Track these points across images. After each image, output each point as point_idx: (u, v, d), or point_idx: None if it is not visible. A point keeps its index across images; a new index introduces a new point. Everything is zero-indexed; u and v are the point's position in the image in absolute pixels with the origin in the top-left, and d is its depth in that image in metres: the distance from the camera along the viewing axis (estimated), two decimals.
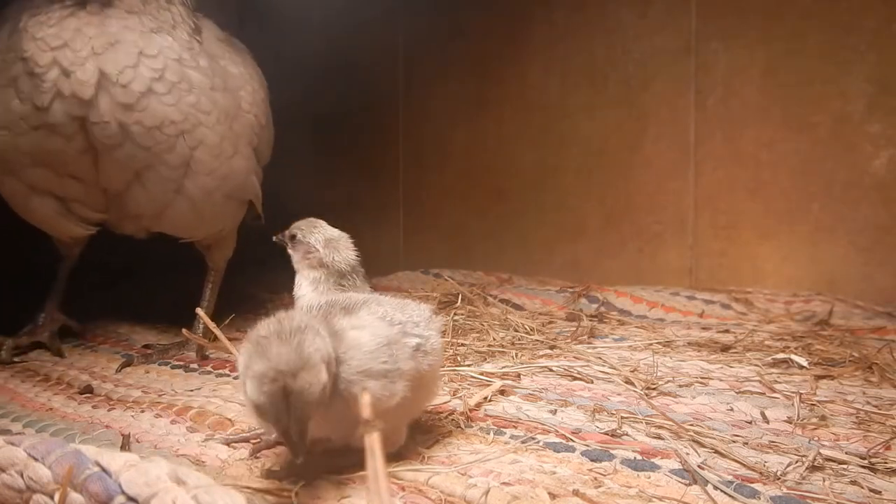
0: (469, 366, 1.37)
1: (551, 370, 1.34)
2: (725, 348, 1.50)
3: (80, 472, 0.63)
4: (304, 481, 0.79)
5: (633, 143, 2.34)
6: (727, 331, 1.70)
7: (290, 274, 1.27)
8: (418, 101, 2.91)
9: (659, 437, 0.96)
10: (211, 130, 1.46)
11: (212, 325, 1.07)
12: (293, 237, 1.22)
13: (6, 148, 1.36)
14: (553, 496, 0.75)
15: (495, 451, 0.90)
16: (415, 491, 0.77)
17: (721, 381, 1.26)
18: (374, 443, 0.59)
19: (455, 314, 1.87)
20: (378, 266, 2.80)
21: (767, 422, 1.03)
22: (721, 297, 1.97)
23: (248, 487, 0.79)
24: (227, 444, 0.96)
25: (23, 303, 1.69)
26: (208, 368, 1.47)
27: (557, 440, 0.94)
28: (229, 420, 1.07)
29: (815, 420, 1.03)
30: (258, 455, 0.91)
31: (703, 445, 0.92)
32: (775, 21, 2.07)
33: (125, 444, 0.98)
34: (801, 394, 1.13)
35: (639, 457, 0.87)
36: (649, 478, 0.81)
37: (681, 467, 0.83)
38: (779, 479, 0.80)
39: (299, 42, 2.89)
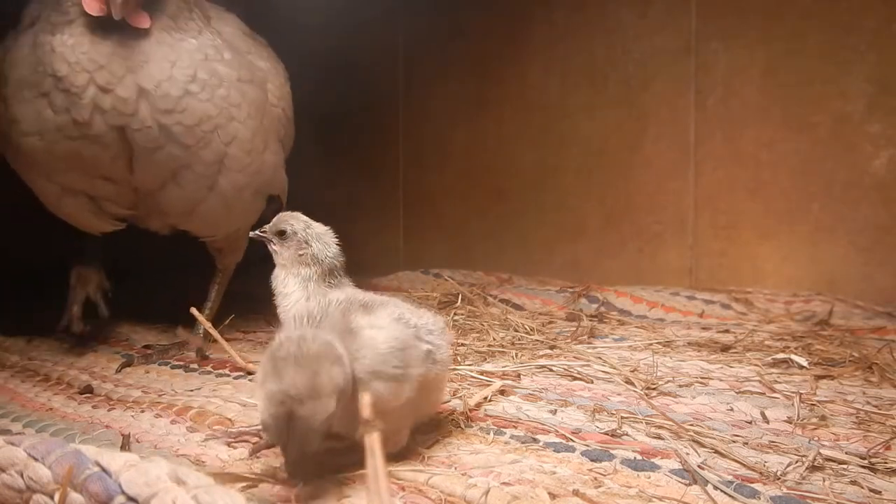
0: (469, 366, 1.37)
1: (551, 370, 1.34)
2: (725, 348, 1.50)
3: (80, 472, 0.63)
4: (303, 481, 0.79)
5: (633, 143, 2.34)
6: (727, 331, 1.70)
7: None
8: (418, 101, 2.91)
9: (659, 437, 0.95)
10: (243, 125, 1.47)
11: (208, 325, 1.07)
12: (282, 233, 1.18)
13: (39, 153, 1.37)
14: (553, 496, 0.75)
15: (495, 451, 0.90)
16: (415, 491, 0.77)
17: (721, 381, 1.26)
18: (374, 443, 0.59)
19: (455, 314, 1.87)
20: (378, 266, 2.80)
21: (767, 422, 1.03)
22: (721, 297, 1.97)
23: (240, 476, 0.79)
24: (228, 445, 0.96)
25: (25, 303, 1.69)
26: (208, 368, 1.47)
27: (557, 440, 0.94)
28: (229, 420, 1.07)
29: (815, 420, 1.03)
30: (258, 455, 0.91)
31: (703, 445, 0.92)
32: (775, 21, 2.07)
33: (125, 444, 0.98)
34: (801, 394, 1.13)
35: (639, 457, 0.87)
36: (649, 478, 0.81)
37: (681, 467, 0.83)
38: (779, 479, 0.80)
39: (299, 42, 2.89)
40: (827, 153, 2.01)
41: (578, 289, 2.13)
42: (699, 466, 0.83)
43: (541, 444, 0.93)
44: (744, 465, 0.85)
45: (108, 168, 1.39)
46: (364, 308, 0.85)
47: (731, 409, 1.09)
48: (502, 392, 1.20)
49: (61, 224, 1.57)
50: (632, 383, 1.22)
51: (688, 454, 0.87)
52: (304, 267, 1.15)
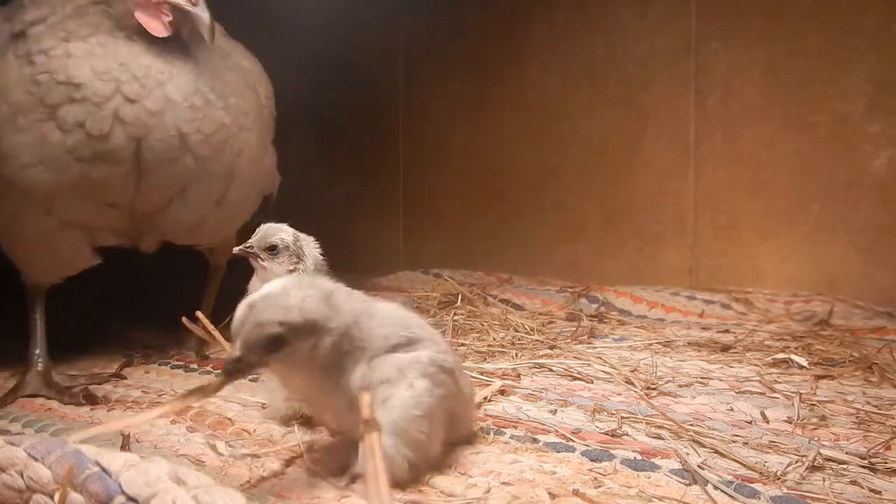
0: (469, 366, 1.37)
1: (551, 370, 1.34)
2: (725, 348, 1.50)
3: (80, 472, 0.63)
4: (303, 482, 0.79)
5: (633, 143, 2.34)
6: (727, 331, 1.70)
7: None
8: (418, 101, 2.91)
9: (659, 437, 0.95)
10: (251, 133, 1.42)
11: (211, 327, 1.07)
12: (273, 248, 1.12)
13: (44, 185, 1.24)
14: (553, 496, 0.75)
15: (495, 451, 0.90)
16: (415, 491, 0.77)
17: (721, 381, 1.26)
18: (374, 443, 0.59)
19: (455, 314, 1.87)
20: (378, 266, 2.81)
21: (767, 422, 1.03)
22: (721, 297, 1.97)
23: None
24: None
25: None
26: (208, 368, 1.47)
27: (557, 440, 0.94)
28: (229, 420, 1.07)
29: (815, 420, 1.03)
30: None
31: (703, 445, 0.92)
32: (775, 21, 2.07)
33: (125, 444, 0.98)
34: (801, 394, 1.13)
35: (639, 457, 0.87)
36: (649, 478, 0.81)
37: (681, 467, 0.83)
38: (779, 479, 0.80)
39: (300, 42, 2.89)
40: (827, 153, 2.01)
41: (578, 289, 2.13)
42: (699, 466, 0.83)
43: (541, 444, 0.93)
44: (744, 465, 0.85)
45: (117, 189, 1.28)
46: (409, 343, 0.82)
47: (731, 409, 1.09)
48: (502, 392, 1.20)
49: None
50: (632, 383, 1.22)
51: (688, 454, 0.87)
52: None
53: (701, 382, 1.25)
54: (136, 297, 2.32)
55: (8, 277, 1.47)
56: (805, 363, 1.33)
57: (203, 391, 0.74)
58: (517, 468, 0.84)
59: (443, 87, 2.81)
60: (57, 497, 0.62)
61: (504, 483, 0.79)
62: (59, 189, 1.25)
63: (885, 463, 0.85)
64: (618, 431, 0.98)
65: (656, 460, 0.86)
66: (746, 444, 0.93)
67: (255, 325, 0.71)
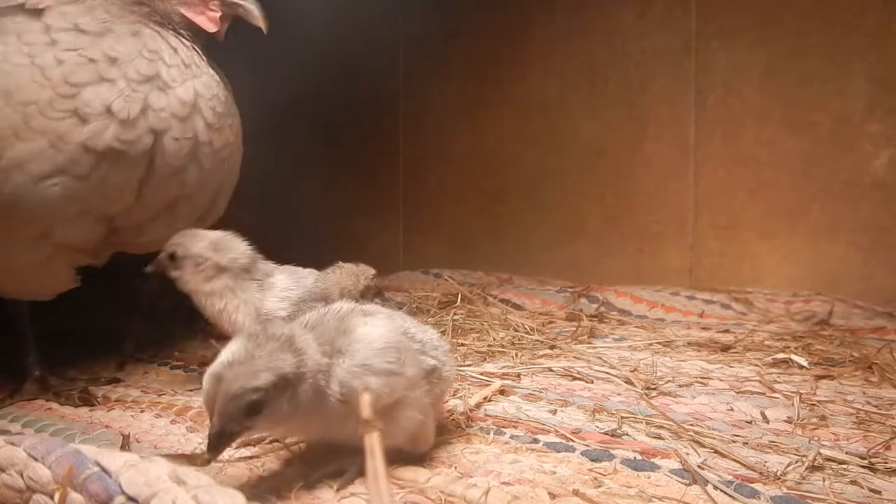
0: (469, 366, 1.37)
1: (551, 370, 1.34)
2: (725, 348, 1.50)
3: (80, 472, 0.63)
4: (303, 482, 0.79)
5: (633, 143, 2.34)
6: (727, 331, 1.70)
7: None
8: (418, 102, 2.91)
9: (659, 437, 0.95)
10: (238, 151, 1.39)
11: None
12: (173, 256, 1.12)
13: (58, 199, 1.12)
14: (553, 496, 0.75)
15: (495, 451, 0.90)
16: (415, 491, 0.77)
17: (721, 381, 1.26)
18: (374, 443, 0.59)
19: (455, 314, 1.87)
20: (378, 266, 2.79)
21: (767, 422, 1.03)
22: (721, 297, 1.97)
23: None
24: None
25: None
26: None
27: (557, 440, 0.94)
28: None
29: (815, 420, 1.03)
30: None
31: (703, 445, 0.92)
32: (775, 21, 2.07)
33: (125, 444, 0.98)
34: (801, 394, 1.13)
35: (639, 457, 0.87)
36: (649, 478, 0.81)
37: (681, 467, 0.83)
38: (779, 479, 0.80)
39: (300, 43, 2.89)
40: (827, 153, 2.01)
41: (578, 289, 2.13)
42: (699, 466, 0.83)
43: (541, 444, 0.93)
44: (744, 465, 0.85)
45: (121, 200, 1.19)
46: (365, 314, 0.85)
47: (731, 409, 1.09)
48: (502, 392, 1.20)
49: None
50: (632, 383, 1.22)
51: (688, 454, 0.87)
52: (213, 280, 1.12)
53: (701, 382, 1.25)
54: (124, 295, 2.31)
55: None
56: (805, 363, 1.33)
57: (190, 462, 0.75)
58: (517, 468, 0.84)
59: (443, 87, 2.81)
60: (57, 497, 0.62)
61: (504, 483, 0.79)
62: (70, 203, 1.14)
63: (885, 463, 0.85)
64: (618, 431, 0.98)
65: (656, 460, 0.86)
66: (746, 444, 0.93)
67: (229, 398, 0.69)
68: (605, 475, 0.82)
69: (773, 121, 2.08)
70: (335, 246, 3.27)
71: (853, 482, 0.81)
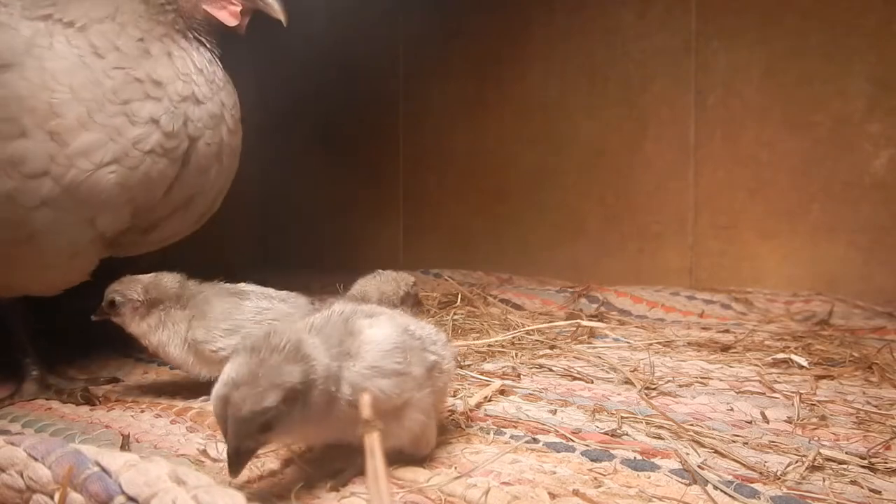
0: (469, 366, 1.37)
1: (551, 370, 1.34)
2: (725, 348, 1.50)
3: (80, 472, 0.63)
4: (303, 482, 0.79)
5: (633, 143, 2.34)
6: (727, 331, 1.70)
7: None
8: (418, 102, 2.91)
9: (659, 437, 0.95)
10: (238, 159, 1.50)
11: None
12: (112, 303, 1.20)
13: (112, 186, 1.21)
14: (553, 496, 0.75)
15: (495, 451, 0.90)
16: (415, 491, 0.77)
17: (721, 381, 1.26)
18: (374, 443, 0.59)
19: (455, 314, 1.87)
20: (378, 266, 2.80)
21: (767, 422, 1.03)
22: (721, 297, 1.97)
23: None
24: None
25: None
26: None
27: (557, 440, 0.94)
28: None
29: (815, 420, 1.03)
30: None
31: (703, 445, 0.92)
32: (775, 21, 2.07)
33: (125, 444, 0.98)
34: (801, 394, 1.13)
35: (639, 457, 0.87)
36: (649, 478, 0.81)
37: (681, 467, 0.83)
38: (779, 479, 0.80)
39: (299, 43, 2.90)
40: (827, 153, 2.01)
41: (578, 289, 2.13)
42: (699, 466, 0.83)
43: (541, 444, 0.93)
44: (744, 465, 0.85)
45: (159, 189, 1.29)
46: (368, 315, 0.85)
47: (731, 409, 1.09)
48: (502, 392, 1.20)
49: None
50: (632, 383, 1.22)
51: (688, 454, 0.87)
52: (151, 315, 1.19)
53: (701, 382, 1.25)
54: None
55: None
56: (805, 363, 1.33)
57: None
58: (517, 468, 0.84)
59: (442, 87, 2.81)
60: (57, 497, 0.62)
61: (504, 483, 0.79)
62: (118, 191, 1.22)
63: (885, 463, 0.85)
64: (618, 431, 0.98)
65: (656, 460, 0.86)
66: (746, 444, 0.93)
67: (240, 422, 0.69)
68: (605, 475, 0.82)
69: (773, 121, 2.08)
70: (335, 246, 3.28)
71: (853, 482, 0.81)
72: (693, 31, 2.21)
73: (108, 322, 1.24)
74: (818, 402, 1.11)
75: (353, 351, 0.77)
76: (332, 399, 0.74)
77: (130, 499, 0.59)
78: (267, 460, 0.89)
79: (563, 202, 2.50)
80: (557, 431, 0.98)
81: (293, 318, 1.19)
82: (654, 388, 1.20)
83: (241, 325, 1.18)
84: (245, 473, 0.85)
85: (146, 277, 1.23)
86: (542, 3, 2.52)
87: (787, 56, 2.05)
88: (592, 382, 1.26)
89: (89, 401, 1.25)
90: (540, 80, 2.55)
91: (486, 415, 1.07)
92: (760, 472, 0.82)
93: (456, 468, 0.84)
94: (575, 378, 1.29)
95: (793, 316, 1.83)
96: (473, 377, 1.28)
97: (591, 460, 0.87)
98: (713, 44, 2.18)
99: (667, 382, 1.24)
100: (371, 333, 0.80)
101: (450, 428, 1.00)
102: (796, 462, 0.85)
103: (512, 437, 0.96)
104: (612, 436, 0.96)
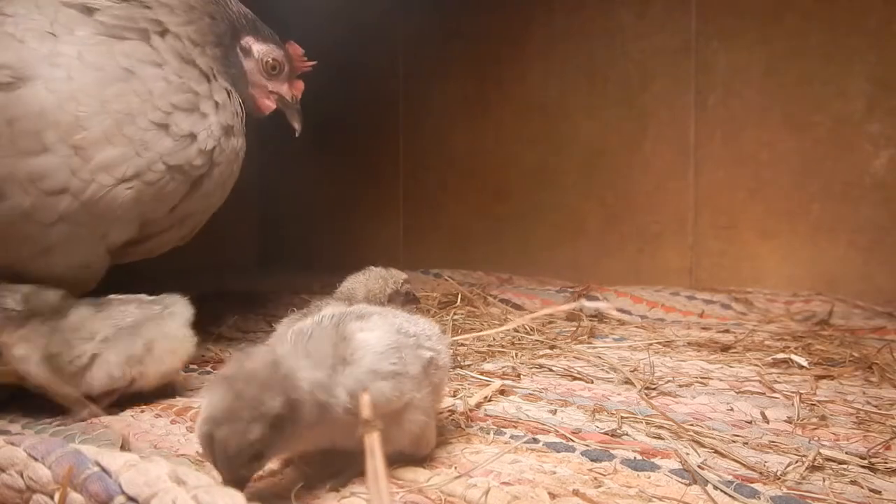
0: (469, 366, 1.37)
1: (551, 370, 1.34)
2: (725, 348, 1.50)
3: (80, 472, 0.63)
4: (302, 482, 0.79)
5: (633, 143, 2.34)
6: (727, 331, 1.70)
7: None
8: (418, 102, 2.91)
9: (659, 437, 0.95)
10: None
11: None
12: None
13: (129, 201, 1.20)
14: (553, 496, 0.75)
15: (495, 451, 0.90)
16: (414, 491, 0.77)
17: (721, 381, 1.26)
18: (373, 443, 0.59)
19: (455, 314, 1.87)
20: (378, 266, 2.80)
21: (767, 422, 1.03)
22: (721, 297, 1.97)
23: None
24: None
25: None
26: (208, 368, 1.47)
27: (557, 440, 0.94)
28: None
29: (815, 420, 1.03)
30: None
31: (703, 445, 0.92)
32: (775, 21, 2.07)
33: (124, 444, 0.98)
34: (801, 394, 1.13)
35: (639, 457, 0.87)
36: (649, 478, 0.81)
37: (681, 467, 0.83)
38: (779, 479, 0.80)
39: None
40: (827, 153, 2.01)
41: (578, 289, 2.13)
42: (699, 466, 0.83)
43: (541, 444, 0.93)
44: (744, 465, 0.85)
45: (168, 205, 1.30)
46: (359, 317, 0.83)
47: (731, 409, 1.09)
48: (502, 392, 1.20)
49: None
50: (632, 383, 1.22)
51: (688, 454, 0.87)
52: (13, 334, 1.11)
53: (701, 382, 1.25)
54: None
55: None
56: (805, 363, 1.33)
57: None
58: (517, 468, 0.84)
59: (442, 87, 2.81)
60: (57, 497, 0.62)
61: (504, 483, 0.79)
62: (135, 206, 1.22)
63: (885, 463, 0.85)
64: (618, 431, 0.98)
65: (656, 460, 0.86)
66: (746, 444, 0.93)
67: (229, 459, 0.67)
68: (605, 475, 0.82)
69: (773, 121, 2.09)
70: (335, 246, 3.28)
71: (853, 482, 0.80)
72: (693, 31, 2.21)
73: None
74: (818, 402, 1.11)
75: (347, 356, 0.76)
76: (325, 408, 0.73)
77: (130, 499, 0.59)
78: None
79: (563, 202, 2.50)
80: (557, 431, 0.98)
81: (162, 318, 1.18)
82: (654, 388, 1.20)
83: (97, 331, 1.13)
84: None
85: (27, 287, 1.16)
86: (542, 3, 2.52)
87: (787, 56, 2.05)
88: (592, 382, 1.26)
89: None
90: (540, 80, 2.55)
91: (486, 415, 1.07)
92: (760, 472, 0.82)
93: (456, 468, 0.84)
94: (575, 378, 1.29)
95: (793, 316, 1.83)
96: (473, 377, 1.28)
97: (591, 460, 0.87)
98: (713, 44, 2.18)
99: (667, 382, 1.24)
100: (364, 337, 0.79)
101: (450, 428, 1.00)
102: (796, 462, 0.85)
103: (512, 437, 0.96)
104: (612, 436, 0.96)
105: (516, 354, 1.46)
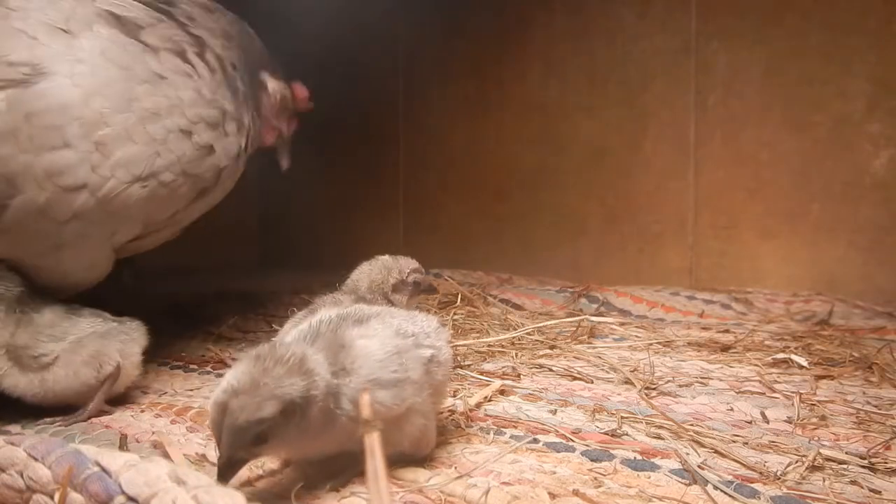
0: (469, 366, 1.37)
1: (551, 370, 1.34)
2: (725, 348, 1.50)
3: (80, 472, 0.63)
4: (302, 482, 0.79)
5: (633, 143, 2.34)
6: (727, 331, 1.70)
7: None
8: (418, 102, 2.91)
9: (659, 437, 0.95)
10: None
11: None
12: None
13: (142, 200, 1.21)
14: (553, 496, 0.75)
15: (495, 451, 0.90)
16: (414, 491, 0.77)
17: (721, 381, 1.26)
18: (374, 443, 0.59)
19: (455, 314, 1.87)
20: None
21: (767, 422, 1.03)
22: (721, 297, 1.97)
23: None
24: None
25: None
26: (208, 369, 1.47)
27: (557, 440, 0.94)
28: None
29: (815, 420, 1.03)
30: None
31: (703, 445, 0.92)
32: (775, 21, 2.07)
33: (123, 444, 0.98)
34: (801, 394, 1.13)
35: (639, 457, 0.87)
36: (649, 478, 0.81)
37: (681, 467, 0.83)
38: (779, 479, 0.80)
39: (299, 42, 2.90)
40: (827, 153, 2.01)
41: (578, 289, 2.13)
42: (699, 466, 0.83)
43: (541, 444, 0.93)
44: (744, 465, 0.85)
45: (175, 207, 1.32)
46: (356, 322, 0.83)
47: (731, 409, 1.09)
48: (502, 392, 1.20)
49: None
50: (632, 383, 1.22)
51: (688, 454, 0.87)
52: None
53: (701, 382, 1.25)
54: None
55: None
56: (805, 363, 1.33)
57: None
58: (517, 468, 0.84)
59: (443, 87, 2.81)
60: (57, 497, 0.62)
61: (504, 483, 0.79)
62: (147, 205, 1.22)
63: (885, 463, 0.85)
64: (618, 431, 0.98)
65: (656, 460, 0.86)
66: (746, 444, 0.93)
67: (234, 431, 0.68)
68: (605, 475, 0.82)
69: (773, 121, 2.09)
70: (335, 246, 3.28)
71: (853, 482, 0.81)
72: (693, 31, 2.21)
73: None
74: (818, 402, 1.11)
75: (347, 365, 0.76)
76: (330, 416, 0.73)
77: (130, 499, 0.59)
78: (267, 460, 0.89)
79: (563, 202, 2.50)
80: (557, 431, 0.98)
81: (127, 340, 1.17)
82: (654, 388, 1.20)
83: (69, 334, 1.12)
84: (245, 473, 0.85)
85: None
86: (542, 3, 2.52)
87: (787, 56, 2.05)
88: (592, 382, 1.26)
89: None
90: (540, 80, 2.55)
91: (486, 415, 1.07)
92: (760, 472, 0.82)
93: (456, 468, 0.84)
94: (575, 378, 1.29)
95: (793, 316, 1.83)
96: (473, 377, 1.28)
97: (591, 460, 0.87)
98: (713, 44, 2.18)
99: (667, 382, 1.24)
100: (363, 345, 0.78)
101: (450, 428, 1.00)
102: (796, 462, 0.85)
103: (512, 437, 0.96)
104: (612, 436, 0.96)
105: (516, 354, 1.46)
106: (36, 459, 0.66)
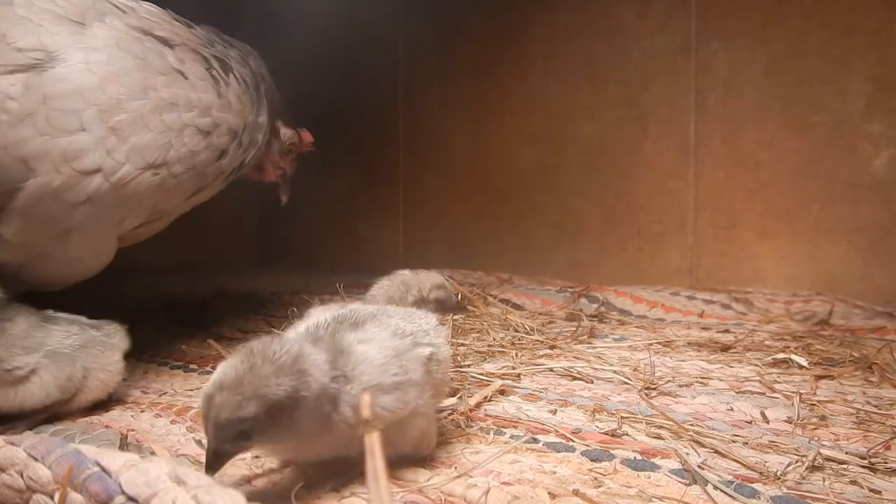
0: (469, 366, 1.37)
1: (551, 370, 1.34)
2: (725, 348, 1.50)
3: (80, 472, 0.63)
4: (302, 482, 0.79)
5: (633, 143, 2.34)
6: (727, 331, 1.70)
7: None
8: (418, 102, 2.91)
9: (659, 437, 0.95)
10: None
11: None
12: None
13: (153, 188, 1.22)
14: (553, 496, 0.75)
15: (495, 451, 0.90)
16: (414, 491, 0.77)
17: (721, 381, 1.26)
18: (374, 443, 0.59)
19: (455, 314, 1.86)
20: (378, 266, 2.80)
21: (767, 422, 1.03)
22: (721, 297, 1.97)
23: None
24: None
25: None
26: (208, 368, 1.47)
27: (557, 440, 0.94)
28: None
29: (815, 420, 1.03)
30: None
31: (703, 445, 0.92)
32: (775, 21, 2.07)
33: (123, 444, 0.98)
34: (801, 394, 1.13)
35: (639, 457, 0.87)
36: (649, 478, 0.81)
37: (681, 467, 0.83)
38: (779, 479, 0.80)
39: (300, 42, 2.90)
40: (827, 153, 2.01)
41: (578, 289, 2.13)
42: (699, 466, 0.83)
43: (541, 444, 0.93)
44: (744, 465, 0.85)
45: (179, 198, 1.34)
46: (353, 326, 0.81)
47: (731, 409, 1.09)
48: (502, 392, 1.20)
49: None
50: (632, 383, 1.22)
51: (688, 454, 0.87)
52: None
53: (701, 382, 1.25)
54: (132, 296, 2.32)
55: None
56: (805, 363, 1.33)
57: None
58: (517, 468, 0.84)
59: (443, 87, 2.81)
60: (57, 497, 0.62)
61: (504, 483, 0.79)
62: (156, 193, 1.24)
63: (885, 463, 0.85)
64: (618, 431, 0.98)
65: (656, 460, 0.86)
66: (746, 444, 0.93)
67: (218, 426, 0.67)
68: (605, 475, 0.82)
69: (773, 121, 2.09)
70: (335, 246, 3.28)
71: (853, 482, 0.81)
72: (693, 31, 2.21)
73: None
74: (818, 402, 1.11)
75: (347, 372, 0.75)
76: (328, 419, 0.73)
77: (130, 499, 0.59)
78: (267, 460, 0.89)
79: (563, 202, 2.50)
80: (557, 431, 0.98)
81: (104, 347, 1.14)
82: (654, 388, 1.20)
83: (43, 345, 1.08)
84: (245, 473, 0.85)
85: None
86: (542, 3, 2.52)
87: (787, 56, 2.05)
88: (592, 382, 1.26)
89: None
90: (540, 80, 2.55)
91: (486, 415, 1.07)
92: (760, 472, 0.82)
93: (456, 468, 0.84)
94: (575, 378, 1.29)
95: (793, 316, 1.83)
96: (473, 377, 1.28)
97: (591, 460, 0.87)
98: (713, 44, 2.18)
99: (667, 382, 1.24)
100: (363, 349, 0.77)
101: (450, 428, 1.00)
102: (796, 462, 0.85)
103: (512, 437, 0.96)
104: (612, 436, 0.96)
105: (516, 354, 1.46)
106: (36, 459, 0.66)
